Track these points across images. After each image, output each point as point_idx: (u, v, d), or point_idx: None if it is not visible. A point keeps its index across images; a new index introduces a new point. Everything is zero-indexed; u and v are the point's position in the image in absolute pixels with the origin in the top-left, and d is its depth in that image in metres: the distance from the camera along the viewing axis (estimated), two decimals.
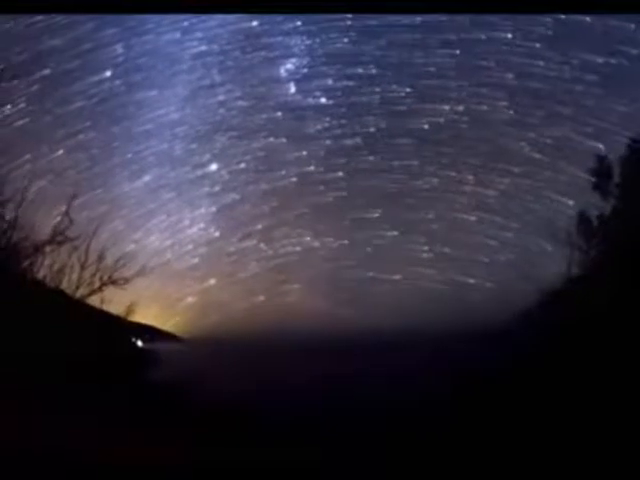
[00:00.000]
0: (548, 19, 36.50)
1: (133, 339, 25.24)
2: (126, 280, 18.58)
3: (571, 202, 37.31)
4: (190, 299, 43.57)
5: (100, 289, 18.40)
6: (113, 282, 18.43)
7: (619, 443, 12.09)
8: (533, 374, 20.08)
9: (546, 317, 27.21)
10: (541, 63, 38.26)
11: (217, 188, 43.83)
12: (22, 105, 36.87)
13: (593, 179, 30.21)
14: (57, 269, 18.11)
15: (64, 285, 18.42)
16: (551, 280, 29.52)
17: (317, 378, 27.13)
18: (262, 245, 44.38)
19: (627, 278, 22.31)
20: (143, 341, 26.00)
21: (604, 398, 15.44)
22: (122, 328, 22.71)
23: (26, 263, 17.70)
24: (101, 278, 18.41)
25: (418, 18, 38.31)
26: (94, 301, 18.80)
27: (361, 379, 27.70)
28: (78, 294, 18.42)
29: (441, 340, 32.45)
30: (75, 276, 18.19)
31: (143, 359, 23.02)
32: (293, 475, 13.84)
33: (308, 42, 40.51)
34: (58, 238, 17.12)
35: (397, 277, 44.47)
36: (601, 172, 29.69)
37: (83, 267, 18.23)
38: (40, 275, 18.20)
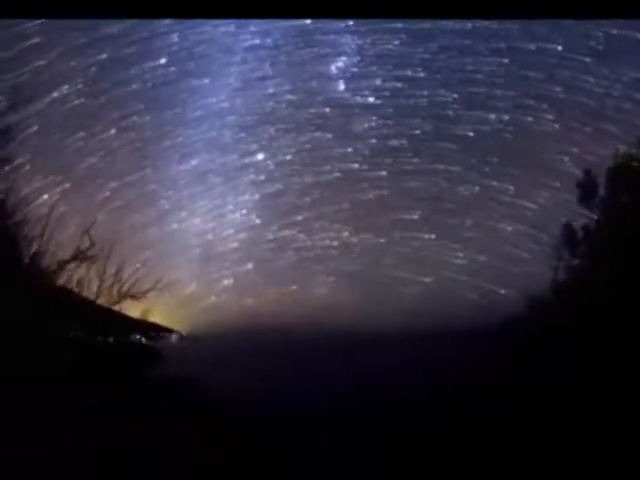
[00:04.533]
0: (599, 33, 35.89)
1: (139, 336, 26.04)
2: (144, 294, 19.48)
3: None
4: (226, 281, 45.06)
5: (119, 301, 19.37)
6: (132, 296, 19.40)
7: (619, 443, 12.82)
8: (557, 385, 20.59)
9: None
10: (590, 79, 37.76)
11: (262, 177, 44.82)
12: (80, 86, 38.67)
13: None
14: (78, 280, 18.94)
15: (75, 288, 19.13)
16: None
17: (331, 375, 28.16)
18: (301, 236, 45.41)
19: None
20: (149, 339, 26.61)
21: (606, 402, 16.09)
22: (131, 327, 23.68)
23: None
24: (119, 290, 19.31)
25: (469, 24, 38.12)
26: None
27: (375, 378, 28.65)
28: (96, 301, 19.29)
29: (464, 345, 32.95)
30: (95, 287, 19.11)
31: (153, 356, 23.87)
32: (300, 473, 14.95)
33: (359, 42, 41.05)
34: (81, 256, 18.19)
35: (428, 280, 44.94)
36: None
37: (102, 280, 19.16)
38: (50, 274, 18.73)
